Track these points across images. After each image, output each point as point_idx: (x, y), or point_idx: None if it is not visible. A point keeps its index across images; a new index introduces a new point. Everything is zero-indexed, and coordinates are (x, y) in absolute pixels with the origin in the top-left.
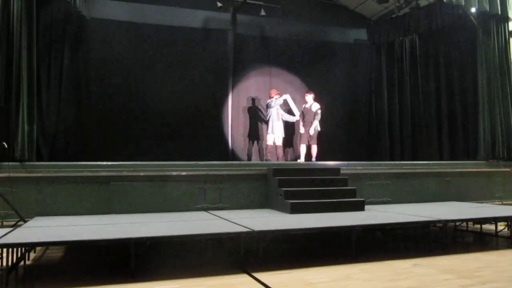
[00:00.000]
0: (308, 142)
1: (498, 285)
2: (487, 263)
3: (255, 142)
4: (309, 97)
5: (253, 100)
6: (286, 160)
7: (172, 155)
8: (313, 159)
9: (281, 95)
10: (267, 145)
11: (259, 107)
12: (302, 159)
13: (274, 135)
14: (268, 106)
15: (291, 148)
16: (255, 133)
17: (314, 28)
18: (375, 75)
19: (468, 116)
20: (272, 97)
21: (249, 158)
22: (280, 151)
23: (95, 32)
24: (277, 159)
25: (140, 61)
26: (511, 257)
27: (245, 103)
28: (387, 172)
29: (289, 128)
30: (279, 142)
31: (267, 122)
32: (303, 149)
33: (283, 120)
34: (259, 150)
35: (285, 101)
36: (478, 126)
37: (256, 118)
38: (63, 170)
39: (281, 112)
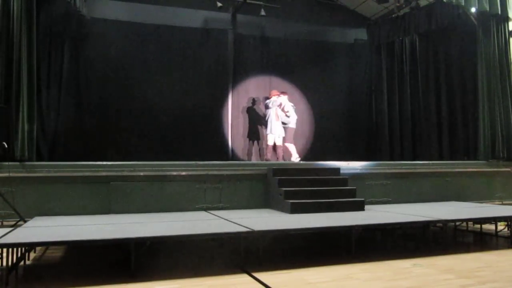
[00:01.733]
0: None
1: (498, 285)
2: (487, 263)
3: (255, 142)
4: (283, 98)
5: (253, 100)
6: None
7: (172, 155)
8: (297, 159)
9: (280, 96)
10: (267, 145)
11: (259, 107)
12: (294, 158)
13: (274, 135)
14: (266, 107)
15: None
16: (255, 133)
17: (314, 28)
18: (375, 75)
19: (468, 116)
20: (271, 98)
21: (249, 158)
22: (281, 151)
23: (95, 32)
24: (277, 159)
25: (140, 61)
26: (511, 257)
27: (245, 103)
28: (387, 172)
29: None
30: (279, 142)
31: (266, 123)
32: (292, 149)
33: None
34: (259, 150)
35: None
36: (478, 126)
37: (256, 118)
38: (63, 170)
39: (280, 113)
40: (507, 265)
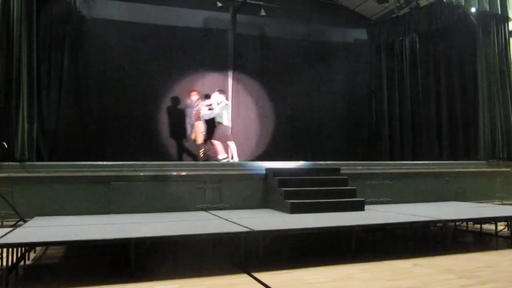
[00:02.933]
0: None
1: (498, 285)
2: (487, 263)
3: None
4: (195, 97)
5: (174, 99)
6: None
7: (172, 155)
8: (226, 158)
9: (201, 95)
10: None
11: (180, 106)
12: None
13: (194, 133)
14: (188, 107)
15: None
16: (177, 131)
17: (314, 28)
18: (375, 75)
19: (468, 116)
20: (193, 99)
21: (180, 158)
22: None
23: (95, 32)
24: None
25: (140, 61)
26: (511, 257)
27: (245, 103)
28: (387, 172)
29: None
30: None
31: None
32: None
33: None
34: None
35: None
36: (478, 126)
37: (178, 116)
38: (63, 170)
39: (203, 112)
40: (507, 265)
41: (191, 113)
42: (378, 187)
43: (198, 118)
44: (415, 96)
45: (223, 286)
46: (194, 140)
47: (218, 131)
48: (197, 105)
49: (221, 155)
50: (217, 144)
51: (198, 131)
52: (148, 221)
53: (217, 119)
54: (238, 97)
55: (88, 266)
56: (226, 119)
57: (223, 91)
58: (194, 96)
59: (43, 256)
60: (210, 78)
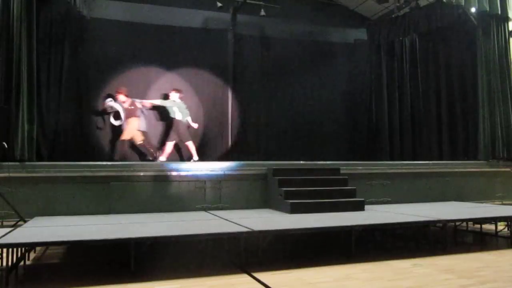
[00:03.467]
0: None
1: (498, 285)
2: (487, 263)
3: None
4: (122, 97)
5: (107, 97)
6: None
7: (171, 155)
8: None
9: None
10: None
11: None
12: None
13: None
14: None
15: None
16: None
17: (314, 28)
18: (375, 75)
19: (468, 116)
20: (120, 99)
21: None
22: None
23: (95, 32)
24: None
25: (140, 61)
26: (511, 257)
27: (245, 103)
28: (387, 172)
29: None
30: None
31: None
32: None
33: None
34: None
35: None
36: (478, 126)
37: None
38: (63, 170)
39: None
40: (507, 265)
41: (120, 112)
42: (378, 187)
43: (130, 115)
44: (415, 96)
45: (223, 286)
46: (130, 139)
47: (175, 129)
48: (125, 103)
49: (162, 157)
50: (169, 146)
51: (131, 129)
52: (148, 221)
53: (171, 115)
54: (238, 97)
55: (88, 266)
56: (179, 115)
57: (178, 90)
58: (121, 96)
59: (43, 256)
60: (210, 78)
